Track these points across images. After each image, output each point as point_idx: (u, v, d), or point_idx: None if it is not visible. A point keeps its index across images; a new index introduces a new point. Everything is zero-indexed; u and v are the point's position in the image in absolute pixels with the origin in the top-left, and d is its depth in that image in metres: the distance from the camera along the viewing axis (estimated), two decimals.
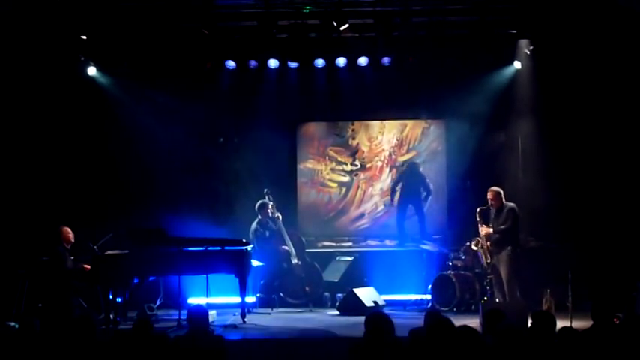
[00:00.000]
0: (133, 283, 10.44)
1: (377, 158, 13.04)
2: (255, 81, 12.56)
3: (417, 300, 11.67)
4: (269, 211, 11.61)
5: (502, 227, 10.56)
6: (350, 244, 12.88)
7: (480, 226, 10.74)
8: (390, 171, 13.01)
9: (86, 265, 10.40)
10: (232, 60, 12.38)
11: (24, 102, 11.92)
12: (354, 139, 13.06)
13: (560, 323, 6.29)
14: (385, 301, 11.47)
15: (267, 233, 11.59)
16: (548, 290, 10.44)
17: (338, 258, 12.44)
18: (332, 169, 13.05)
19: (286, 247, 11.72)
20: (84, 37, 11.74)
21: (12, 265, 10.88)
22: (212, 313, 9.81)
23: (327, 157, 13.05)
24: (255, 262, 10.97)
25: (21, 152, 12.00)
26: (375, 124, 13.04)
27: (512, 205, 10.77)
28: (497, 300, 10.61)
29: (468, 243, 11.27)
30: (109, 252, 10.37)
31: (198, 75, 12.45)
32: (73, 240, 10.59)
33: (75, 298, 10.24)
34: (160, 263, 10.20)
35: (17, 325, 8.85)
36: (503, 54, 12.27)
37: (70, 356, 6.03)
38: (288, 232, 11.82)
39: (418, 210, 12.84)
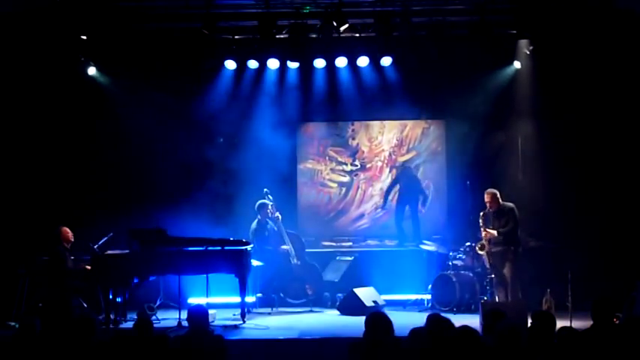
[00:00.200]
0: (133, 283, 10.44)
1: (377, 158, 13.04)
2: (255, 81, 12.56)
3: (416, 300, 11.67)
4: (269, 210, 11.61)
5: (505, 229, 10.60)
6: (350, 244, 12.89)
7: (483, 230, 10.76)
8: (390, 171, 13.01)
9: (87, 267, 10.40)
10: (232, 60, 12.38)
11: (24, 102, 11.92)
12: (354, 139, 13.06)
13: (560, 323, 6.30)
14: (385, 301, 11.47)
15: (267, 233, 11.59)
16: (548, 290, 10.44)
17: (338, 258, 12.44)
18: (332, 169, 13.06)
19: (286, 248, 11.72)
20: (84, 38, 11.73)
21: (12, 265, 10.88)
22: (212, 313, 9.82)
23: (327, 157, 13.05)
24: (255, 262, 10.97)
25: (21, 152, 11.99)
26: (375, 124, 13.04)
27: (510, 205, 10.80)
28: (497, 300, 10.62)
29: (468, 243, 11.28)
30: (109, 252, 10.37)
31: (198, 75, 12.45)
32: (72, 240, 10.59)
33: (75, 298, 10.23)
34: (160, 263, 10.21)
35: (17, 325, 8.86)
36: (503, 54, 12.27)
37: (70, 356, 6.04)
38: (288, 233, 11.82)
39: (413, 213, 12.86)
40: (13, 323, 10.09)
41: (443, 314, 6.41)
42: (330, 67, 12.44)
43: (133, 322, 6.66)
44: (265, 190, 11.70)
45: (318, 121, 13.07)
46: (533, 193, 11.83)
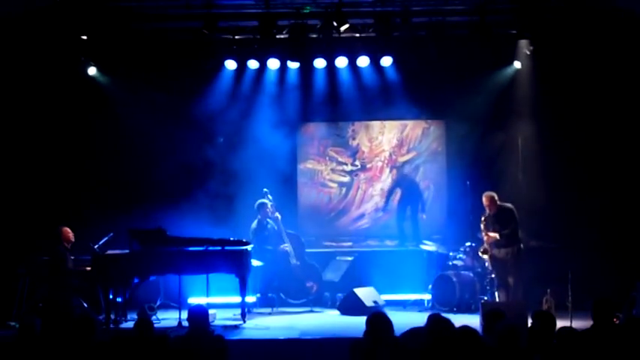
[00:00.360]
0: (133, 283, 10.45)
1: (377, 158, 13.04)
2: (255, 81, 12.56)
3: (416, 300, 11.67)
4: (268, 210, 11.61)
5: (507, 231, 10.64)
6: (350, 244, 12.88)
7: (484, 234, 10.78)
8: (391, 171, 13.01)
9: (87, 268, 10.40)
10: (232, 60, 12.38)
11: (25, 102, 11.92)
12: (354, 139, 13.06)
13: (560, 323, 6.30)
14: (385, 301, 11.47)
15: (267, 233, 11.58)
16: (548, 290, 10.45)
17: (338, 258, 12.44)
18: (332, 170, 13.05)
19: (285, 248, 11.71)
20: (84, 38, 11.74)
21: (12, 265, 10.88)
22: (212, 313, 9.82)
23: (327, 157, 13.05)
24: (255, 262, 10.97)
25: (21, 152, 12.00)
26: (376, 124, 13.04)
27: (509, 205, 10.82)
28: (497, 300, 10.63)
29: (468, 243, 11.28)
30: (109, 252, 10.37)
31: (198, 75, 12.45)
32: (73, 240, 10.58)
33: (75, 298, 10.23)
34: (160, 263, 10.21)
35: (17, 325, 8.86)
36: (503, 54, 12.27)
37: (70, 356, 6.04)
38: (288, 233, 11.82)
39: (413, 213, 12.87)
40: (13, 323, 10.09)
41: (443, 314, 6.42)
42: (330, 67, 12.44)
43: (133, 322, 6.66)
44: (265, 189, 11.70)
45: (319, 121, 13.06)
46: (533, 193, 11.83)
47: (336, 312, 11.33)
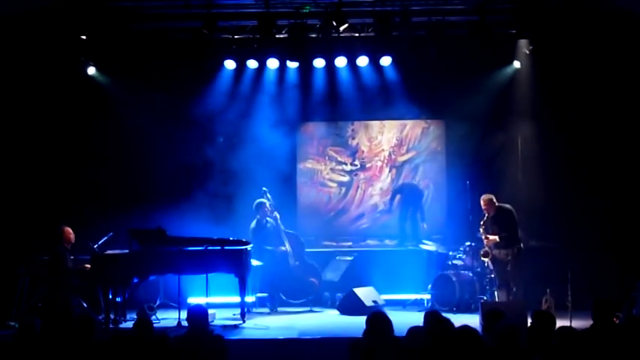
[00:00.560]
0: (132, 282, 10.44)
1: (377, 158, 13.04)
2: (254, 81, 12.56)
3: (416, 300, 11.67)
4: (267, 209, 11.60)
5: (505, 234, 10.65)
6: (350, 243, 12.88)
7: (484, 237, 10.79)
8: (390, 171, 13.01)
9: (86, 265, 10.41)
10: (232, 60, 12.38)
11: (24, 102, 11.92)
12: (353, 138, 13.06)
13: (559, 323, 6.30)
14: (385, 300, 11.47)
15: (266, 232, 11.57)
16: (548, 290, 10.45)
17: (338, 257, 12.44)
18: (332, 169, 13.05)
19: (284, 248, 11.71)
20: (84, 38, 11.73)
21: (12, 265, 10.88)
22: (212, 312, 9.82)
23: (326, 157, 13.05)
24: (254, 262, 10.97)
25: (21, 152, 11.99)
26: (375, 124, 13.04)
27: (508, 207, 10.82)
28: (497, 300, 10.63)
29: (468, 243, 11.28)
30: (109, 252, 10.37)
31: (198, 75, 12.44)
32: (73, 241, 10.59)
33: (75, 298, 10.23)
34: (160, 263, 10.21)
35: (17, 325, 8.86)
36: (502, 54, 12.27)
37: (70, 356, 6.04)
38: (287, 233, 11.82)
39: (413, 214, 12.86)
40: (13, 323, 10.08)
41: (443, 314, 6.42)
42: (330, 66, 12.44)
43: (132, 322, 6.66)
44: (264, 189, 11.69)
45: (318, 121, 13.06)
46: (533, 193, 11.83)
47: (336, 312, 11.33)
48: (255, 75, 12.56)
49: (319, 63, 12.39)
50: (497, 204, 10.82)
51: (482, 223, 10.88)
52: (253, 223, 11.56)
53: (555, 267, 10.74)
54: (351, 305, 11.10)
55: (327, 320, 10.88)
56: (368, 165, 13.04)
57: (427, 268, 11.75)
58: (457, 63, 12.10)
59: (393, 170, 13.01)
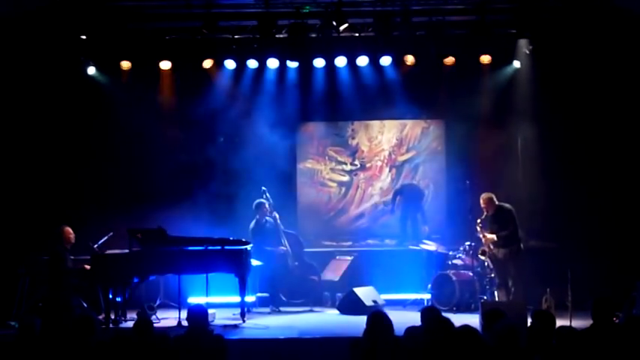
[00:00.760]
0: (132, 282, 10.44)
1: (376, 158, 13.04)
2: (254, 80, 12.56)
3: (416, 299, 11.67)
4: (266, 209, 11.60)
5: (504, 233, 10.67)
6: (350, 243, 12.88)
7: (482, 236, 10.80)
8: (390, 170, 13.01)
9: (86, 266, 10.41)
10: (232, 60, 12.38)
11: (24, 102, 11.92)
12: (353, 138, 13.06)
13: (559, 323, 6.30)
14: (385, 300, 11.47)
15: (265, 232, 11.57)
16: (548, 290, 10.45)
17: (338, 257, 12.44)
18: (332, 169, 13.05)
19: (283, 249, 11.71)
20: (84, 37, 11.73)
21: (12, 265, 10.88)
22: (212, 312, 9.82)
23: (326, 157, 13.05)
24: (254, 262, 10.98)
25: (21, 152, 11.99)
26: (375, 124, 13.04)
27: (508, 206, 10.83)
28: (497, 300, 10.64)
29: (468, 243, 11.28)
30: (109, 252, 10.37)
31: (198, 75, 12.44)
32: (73, 241, 10.60)
33: (75, 298, 10.23)
34: (160, 263, 10.21)
35: (17, 325, 8.86)
36: (502, 53, 12.27)
37: (70, 356, 6.04)
38: (287, 233, 11.82)
39: (413, 214, 12.86)
40: (13, 323, 10.08)
41: (443, 314, 6.42)
42: (330, 66, 12.44)
43: (132, 322, 6.66)
44: (263, 188, 11.69)
45: (318, 121, 13.06)
46: (533, 193, 11.84)
47: (336, 311, 11.33)
48: (255, 75, 12.56)
49: (319, 63, 12.39)
50: (497, 203, 10.83)
51: (479, 221, 10.90)
52: (252, 224, 11.57)
53: (555, 267, 10.74)
54: (351, 305, 11.10)
55: (327, 320, 10.88)
56: (368, 165, 13.04)
57: (427, 268, 11.75)
58: (457, 63, 12.12)
59: (393, 170, 13.01)
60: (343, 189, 13.04)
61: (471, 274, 11.23)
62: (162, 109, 12.45)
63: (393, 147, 13.00)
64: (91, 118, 12.25)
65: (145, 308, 10.54)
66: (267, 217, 11.64)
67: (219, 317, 10.46)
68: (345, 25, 11.26)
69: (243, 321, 10.22)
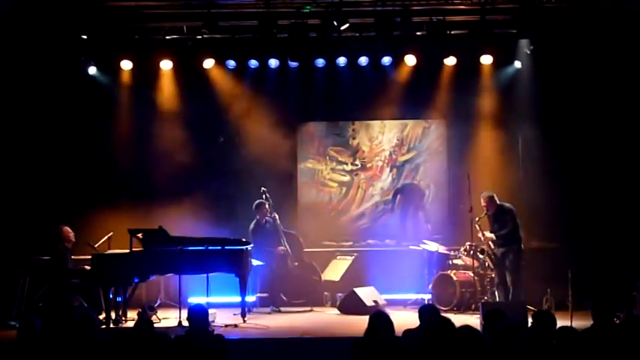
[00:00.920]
0: (133, 282, 10.44)
1: (377, 158, 13.04)
2: (255, 80, 12.55)
3: (417, 299, 11.66)
4: (265, 210, 11.60)
5: (503, 232, 10.68)
6: (350, 243, 12.87)
7: (481, 234, 10.80)
8: (391, 170, 13.01)
9: (86, 267, 10.40)
10: (232, 60, 12.38)
11: (24, 102, 11.92)
12: (354, 138, 13.06)
13: (560, 323, 6.30)
14: (385, 300, 11.47)
15: (265, 233, 11.56)
16: (549, 290, 10.45)
17: (338, 257, 12.44)
18: (332, 169, 13.05)
19: (283, 249, 11.71)
20: (84, 37, 11.73)
21: (12, 265, 10.88)
22: (212, 312, 9.82)
23: (327, 157, 13.05)
24: (255, 262, 10.98)
25: (21, 152, 11.99)
26: (376, 124, 13.04)
27: (508, 205, 10.82)
28: (497, 300, 10.63)
29: (468, 243, 11.27)
30: (109, 252, 10.37)
31: (197, 75, 12.44)
32: (73, 240, 10.60)
33: (75, 298, 10.23)
34: (161, 263, 10.21)
35: (17, 325, 8.86)
36: (503, 54, 12.26)
37: (71, 356, 6.04)
38: (287, 233, 11.82)
39: (414, 213, 12.86)
40: (13, 323, 10.08)
41: (443, 314, 6.42)
42: (331, 66, 12.43)
43: (133, 322, 6.66)
44: (263, 189, 11.68)
45: (319, 121, 13.06)
46: (534, 193, 11.83)
47: (336, 311, 11.33)
48: (255, 75, 12.55)
49: (320, 63, 12.39)
50: (498, 202, 10.82)
51: (477, 219, 10.88)
52: (252, 224, 11.57)
53: (555, 267, 10.74)
54: (351, 305, 11.10)
55: (328, 320, 10.88)
56: (368, 165, 13.04)
57: (427, 268, 11.74)
58: (457, 63, 12.12)
59: (394, 170, 13.01)
60: (344, 189, 13.03)
61: (471, 274, 11.22)
62: (162, 109, 12.44)
63: (394, 147, 13.00)
64: (91, 118, 12.25)
65: (146, 308, 10.54)
66: (267, 218, 11.64)
67: (220, 317, 10.45)
68: (346, 24, 11.26)
69: (244, 321, 10.22)
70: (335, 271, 12.16)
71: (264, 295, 11.61)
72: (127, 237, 10.13)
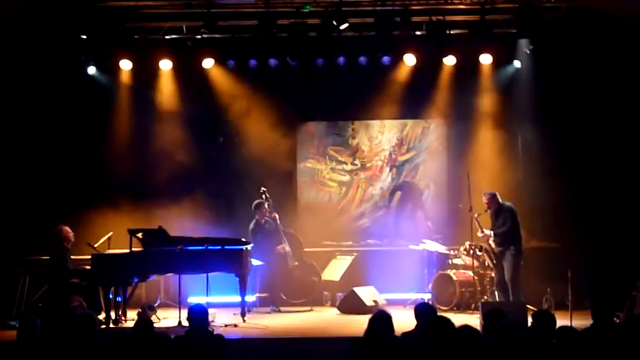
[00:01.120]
0: (133, 282, 10.44)
1: (377, 157, 13.04)
2: (255, 80, 12.55)
3: (416, 299, 11.65)
4: (265, 210, 11.60)
5: (502, 229, 10.66)
6: (350, 243, 12.87)
7: (480, 231, 10.81)
8: (390, 170, 13.01)
9: (86, 267, 10.40)
10: (232, 59, 12.38)
11: (24, 102, 11.92)
12: (354, 138, 13.06)
13: (560, 322, 6.30)
14: (385, 300, 11.47)
15: (265, 233, 11.56)
16: (548, 289, 10.44)
17: (338, 257, 12.44)
18: (332, 169, 13.05)
19: (283, 249, 11.71)
20: (84, 37, 11.73)
21: (12, 264, 10.88)
22: (212, 312, 9.82)
23: (327, 157, 13.05)
24: (255, 262, 10.98)
25: (21, 152, 11.99)
26: (375, 124, 13.04)
27: (509, 204, 10.82)
28: (497, 299, 10.63)
29: (468, 242, 11.27)
30: (109, 252, 10.37)
31: (197, 74, 12.44)
32: (73, 239, 10.59)
33: (75, 297, 10.23)
34: (160, 263, 10.21)
35: (17, 325, 8.86)
36: (503, 53, 12.26)
37: (71, 356, 6.04)
38: (287, 232, 11.82)
39: (413, 212, 12.86)
40: (13, 323, 10.08)
41: (443, 314, 6.41)
42: (330, 66, 12.42)
43: (133, 322, 6.66)
44: (262, 189, 11.68)
45: (318, 121, 13.07)
46: (534, 192, 11.83)
47: (336, 311, 11.33)
48: (255, 74, 12.54)
49: (319, 62, 12.38)
50: (500, 201, 10.81)
51: (477, 215, 10.86)
52: (252, 224, 11.56)
53: (555, 267, 10.74)
54: (351, 305, 11.11)
55: (328, 320, 10.88)
56: (368, 164, 13.04)
57: (427, 268, 11.74)
58: (457, 62, 12.12)
59: (394, 170, 13.01)
60: (344, 189, 13.04)
61: (471, 273, 11.22)
62: (161, 109, 12.44)
63: (394, 147, 13.00)
64: (90, 117, 12.25)
65: (146, 308, 10.54)
66: (267, 218, 11.64)
67: (220, 317, 10.44)
68: (346, 24, 11.26)
69: (244, 321, 10.22)
70: (335, 270, 12.17)
71: (264, 295, 11.61)
72: (126, 237, 10.14)
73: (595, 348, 5.73)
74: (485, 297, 10.98)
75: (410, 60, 12.24)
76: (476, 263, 11.20)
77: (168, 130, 12.35)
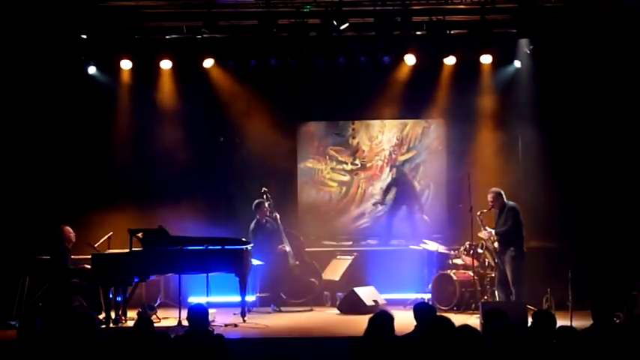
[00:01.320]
0: (133, 282, 10.44)
1: (377, 157, 13.04)
2: (255, 80, 12.55)
3: (416, 299, 11.65)
4: (265, 210, 11.60)
5: (503, 228, 10.66)
6: (350, 243, 12.87)
7: (482, 229, 10.81)
8: (390, 170, 13.01)
9: (86, 266, 10.41)
10: (232, 59, 12.38)
11: (25, 102, 11.92)
12: (354, 138, 13.06)
13: (560, 323, 6.30)
14: (385, 300, 11.47)
15: (265, 233, 11.56)
16: (549, 289, 10.44)
17: (338, 257, 12.44)
18: (332, 169, 13.05)
19: (284, 248, 11.71)
20: (84, 37, 11.73)
21: (12, 264, 10.88)
22: (212, 312, 9.82)
23: (327, 157, 13.05)
24: (255, 262, 10.98)
25: (21, 152, 11.99)
26: (376, 123, 13.04)
27: (512, 204, 10.81)
28: (498, 299, 10.63)
29: (468, 242, 11.27)
30: (109, 251, 10.37)
31: (197, 74, 12.44)
32: (74, 239, 10.61)
33: (75, 297, 10.23)
34: (160, 262, 10.22)
35: (17, 325, 8.86)
36: (503, 53, 12.26)
37: (71, 356, 6.04)
38: (287, 232, 11.82)
39: (410, 213, 12.86)
40: (13, 323, 10.08)
41: (443, 314, 6.41)
42: (331, 66, 12.41)
43: (133, 322, 6.66)
44: (263, 189, 11.68)
45: (319, 120, 13.07)
46: (534, 192, 11.83)
47: (336, 311, 11.33)
48: (255, 74, 12.53)
49: (320, 62, 12.38)
50: (505, 200, 10.81)
51: (479, 213, 10.86)
52: (253, 224, 11.57)
53: (555, 267, 10.74)
54: (351, 304, 11.11)
55: (328, 319, 10.88)
56: (368, 164, 13.04)
57: (427, 268, 11.74)
58: (457, 62, 12.12)
59: (394, 170, 13.00)
60: (344, 189, 13.04)
61: (471, 273, 11.22)
62: (162, 109, 12.44)
63: (394, 146, 13.00)
64: (91, 117, 12.25)
65: (146, 308, 10.54)
66: (267, 217, 11.64)
67: (220, 317, 10.44)
68: (346, 24, 11.26)
69: (244, 321, 10.22)
70: (335, 270, 12.17)
71: (265, 294, 11.61)
72: (127, 237, 10.14)
73: (595, 348, 5.74)
74: (486, 297, 10.98)
75: (410, 60, 12.24)
76: (476, 263, 11.20)
77: (168, 130, 12.35)
